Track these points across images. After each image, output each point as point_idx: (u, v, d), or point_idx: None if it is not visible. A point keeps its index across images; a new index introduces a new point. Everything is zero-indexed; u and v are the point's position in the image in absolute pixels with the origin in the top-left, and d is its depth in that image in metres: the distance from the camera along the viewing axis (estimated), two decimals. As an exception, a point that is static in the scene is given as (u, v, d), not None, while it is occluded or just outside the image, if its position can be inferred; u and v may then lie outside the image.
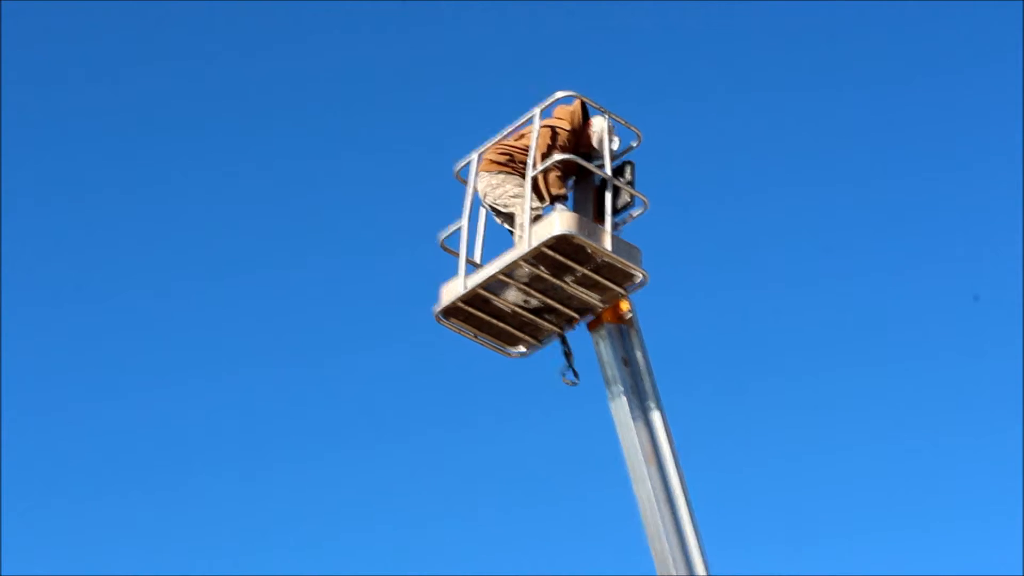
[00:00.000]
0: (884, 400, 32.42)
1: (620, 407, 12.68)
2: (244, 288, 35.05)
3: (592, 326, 12.98)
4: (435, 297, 13.10)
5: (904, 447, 32.06)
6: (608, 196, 12.71)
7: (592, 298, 12.78)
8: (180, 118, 35.68)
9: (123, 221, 35.11)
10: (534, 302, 12.89)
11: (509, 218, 13.01)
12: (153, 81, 35.94)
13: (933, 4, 35.11)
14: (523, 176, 12.77)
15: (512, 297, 12.87)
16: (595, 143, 13.13)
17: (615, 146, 13.11)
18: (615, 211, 12.79)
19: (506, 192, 12.92)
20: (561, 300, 12.85)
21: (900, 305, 32.97)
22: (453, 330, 13.15)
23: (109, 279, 34.60)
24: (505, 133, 13.04)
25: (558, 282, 12.64)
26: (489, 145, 13.14)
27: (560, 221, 12.35)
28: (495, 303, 12.92)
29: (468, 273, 12.89)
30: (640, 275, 12.63)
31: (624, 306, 12.90)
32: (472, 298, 12.85)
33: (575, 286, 12.68)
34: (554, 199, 12.73)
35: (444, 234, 13.22)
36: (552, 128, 12.96)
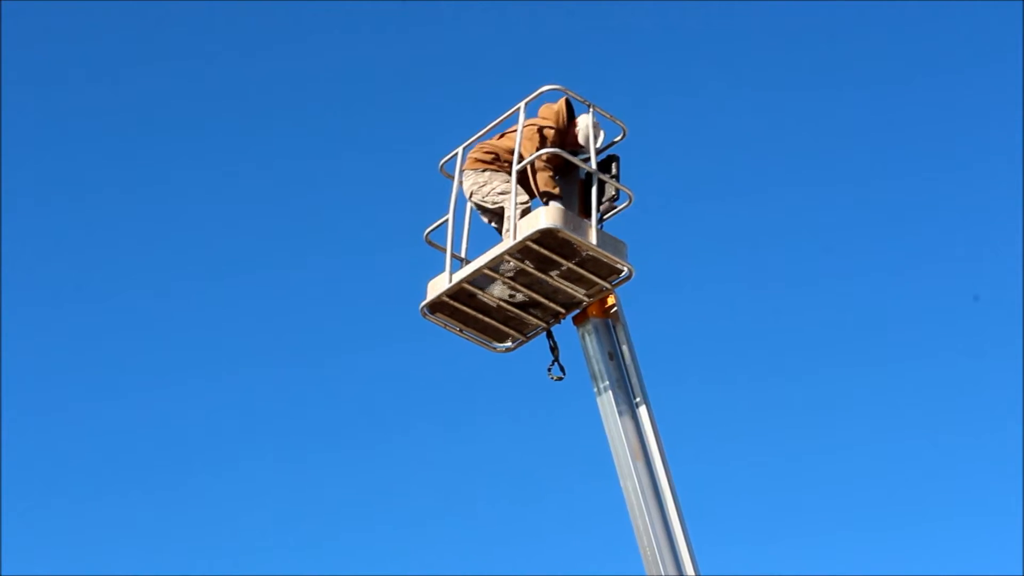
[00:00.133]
0: (883, 400, 32.40)
1: (606, 402, 12.66)
2: (243, 288, 35.01)
3: (578, 320, 12.97)
4: (422, 294, 13.09)
5: (903, 447, 32.04)
6: (594, 190, 12.67)
7: (578, 292, 12.76)
8: (180, 118, 35.71)
9: (123, 221, 35.13)
10: (520, 296, 12.87)
11: (497, 216, 12.99)
12: (153, 81, 35.95)
13: (933, 4, 35.12)
14: (510, 173, 12.74)
15: (498, 292, 12.86)
16: (580, 141, 13.10)
17: (600, 141, 13.07)
18: (600, 205, 12.76)
19: (493, 189, 12.90)
20: (547, 294, 12.82)
21: (900, 305, 32.95)
22: (439, 325, 13.14)
23: (109, 279, 34.61)
24: (490, 127, 13.01)
25: (544, 276, 12.62)
26: (474, 139, 13.11)
27: (545, 215, 12.33)
28: (481, 298, 12.91)
29: (454, 268, 12.87)
30: (625, 269, 12.60)
31: (610, 300, 12.88)
32: (457, 292, 12.83)
33: (561, 280, 12.65)
34: (547, 198, 12.69)
35: (430, 229, 13.20)
36: (539, 128, 12.93)
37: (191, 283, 34.85)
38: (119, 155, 35.34)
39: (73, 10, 35.87)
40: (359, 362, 34.11)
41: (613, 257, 12.51)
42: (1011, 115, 31.53)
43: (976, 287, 32.72)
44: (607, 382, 12.66)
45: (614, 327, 12.92)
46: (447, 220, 12.98)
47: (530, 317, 13.05)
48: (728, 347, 32.62)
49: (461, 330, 13.17)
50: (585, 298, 12.81)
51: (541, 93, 12.95)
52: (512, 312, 13.00)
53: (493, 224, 13.09)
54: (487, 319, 13.09)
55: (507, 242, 12.45)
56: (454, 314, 13.04)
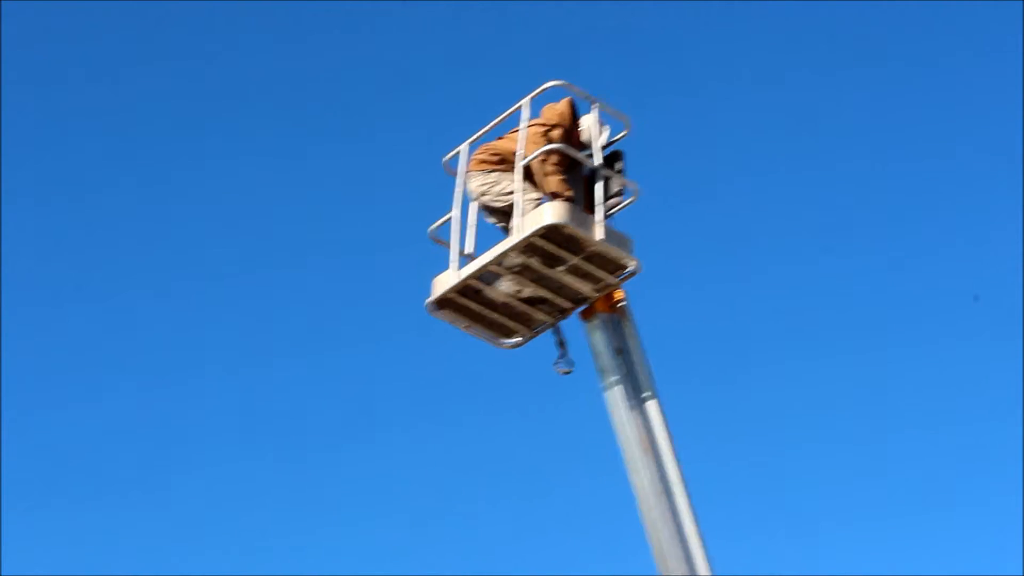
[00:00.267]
0: (883, 400, 32.41)
1: (615, 397, 12.63)
2: (246, 286, 35.03)
3: (585, 315, 12.94)
4: (427, 291, 13.06)
5: (903, 447, 32.06)
6: (598, 186, 12.64)
7: (584, 287, 12.73)
8: (181, 117, 35.71)
9: (125, 220, 35.13)
10: (527, 292, 12.84)
11: (505, 216, 12.95)
12: (153, 81, 35.98)
13: (932, 4, 35.15)
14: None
15: (505, 288, 12.83)
16: (583, 140, 13.09)
17: (604, 138, 13.05)
18: (606, 200, 12.73)
19: (502, 189, 12.88)
20: (554, 290, 12.80)
21: (900, 305, 32.95)
22: (446, 321, 13.11)
23: (108, 278, 34.60)
24: (494, 123, 12.98)
25: (550, 272, 12.59)
26: (478, 136, 13.08)
27: (551, 211, 12.31)
28: (487, 294, 12.88)
29: (460, 265, 12.84)
30: (632, 264, 12.57)
31: (617, 295, 12.85)
32: (464, 289, 12.80)
33: (567, 276, 12.62)
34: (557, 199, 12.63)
35: (434, 226, 13.17)
36: (545, 130, 12.89)
37: (191, 282, 34.91)
38: (119, 154, 35.36)
39: (74, 10, 35.89)
40: (363, 359, 34.14)
41: (619, 252, 12.48)
42: (1011, 115, 31.57)
43: (976, 287, 32.76)
44: (615, 377, 12.63)
45: (621, 322, 12.89)
46: (452, 217, 12.95)
47: (537, 313, 13.03)
48: (729, 343, 32.61)
49: (468, 326, 13.14)
50: (592, 293, 12.79)
51: (545, 89, 12.93)
52: (519, 308, 12.98)
53: (500, 225, 13.06)
54: (494, 315, 13.06)
55: (513, 238, 12.42)
56: (461, 310, 13.01)
